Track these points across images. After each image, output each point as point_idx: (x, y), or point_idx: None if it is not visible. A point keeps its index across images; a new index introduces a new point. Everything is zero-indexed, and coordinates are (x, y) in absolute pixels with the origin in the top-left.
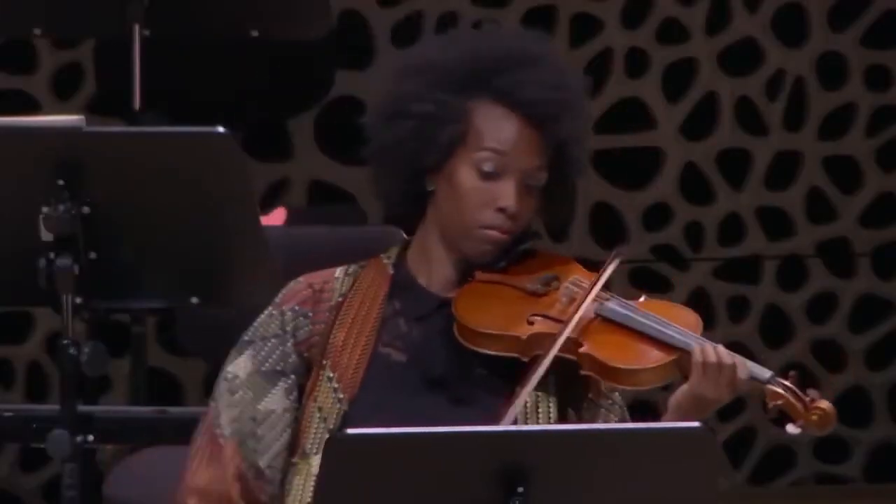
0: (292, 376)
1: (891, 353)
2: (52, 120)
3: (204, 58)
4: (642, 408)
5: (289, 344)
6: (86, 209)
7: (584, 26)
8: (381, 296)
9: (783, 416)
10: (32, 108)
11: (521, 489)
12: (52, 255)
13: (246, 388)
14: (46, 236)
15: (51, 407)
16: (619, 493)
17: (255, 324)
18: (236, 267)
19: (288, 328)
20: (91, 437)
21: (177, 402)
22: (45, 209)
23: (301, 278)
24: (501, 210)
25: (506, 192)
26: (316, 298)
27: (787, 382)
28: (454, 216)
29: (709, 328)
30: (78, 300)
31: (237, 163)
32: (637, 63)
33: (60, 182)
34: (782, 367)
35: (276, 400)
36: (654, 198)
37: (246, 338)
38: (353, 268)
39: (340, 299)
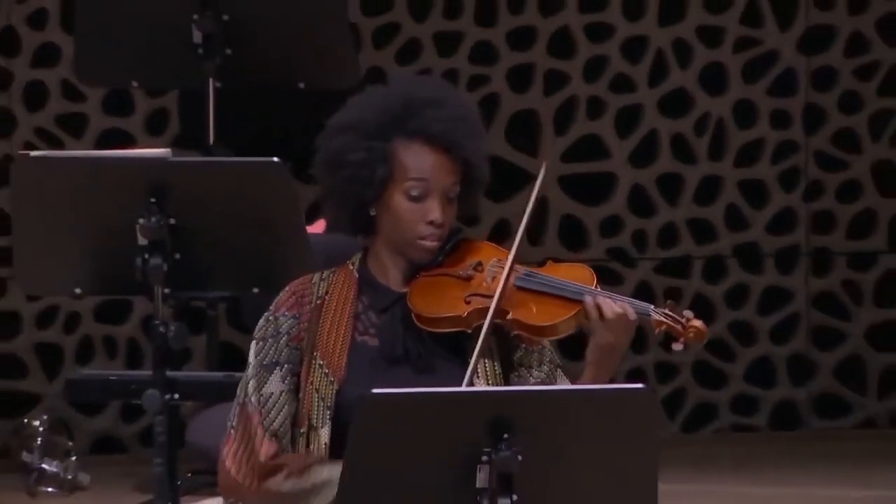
0: (286, 365)
1: (789, 331)
2: (145, 152)
3: (262, 103)
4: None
5: (282, 341)
6: (172, 221)
7: (555, 80)
8: (351, 295)
9: (668, 338)
10: (130, 142)
11: (506, 435)
12: (146, 256)
13: (253, 377)
14: (142, 241)
15: (145, 372)
16: (581, 439)
17: (258, 326)
18: (286, 264)
19: (281, 329)
20: (176, 396)
21: (241, 369)
22: (141, 220)
23: (287, 287)
24: (431, 223)
25: (432, 209)
26: (299, 302)
27: (666, 310)
28: (395, 233)
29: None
30: (166, 290)
31: (287, 185)
32: (596, 108)
33: (152, 200)
34: (706, 344)
35: (275, 384)
36: (608, 211)
37: (255, 335)
38: (325, 273)
39: (319, 301)
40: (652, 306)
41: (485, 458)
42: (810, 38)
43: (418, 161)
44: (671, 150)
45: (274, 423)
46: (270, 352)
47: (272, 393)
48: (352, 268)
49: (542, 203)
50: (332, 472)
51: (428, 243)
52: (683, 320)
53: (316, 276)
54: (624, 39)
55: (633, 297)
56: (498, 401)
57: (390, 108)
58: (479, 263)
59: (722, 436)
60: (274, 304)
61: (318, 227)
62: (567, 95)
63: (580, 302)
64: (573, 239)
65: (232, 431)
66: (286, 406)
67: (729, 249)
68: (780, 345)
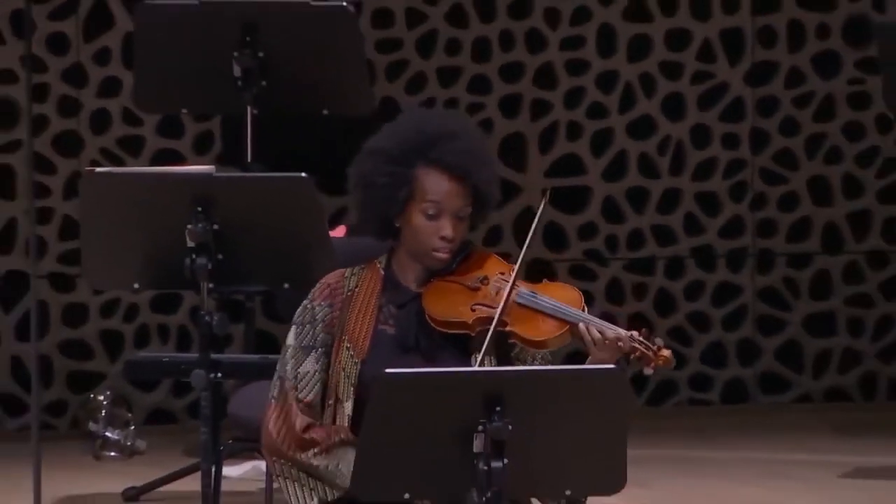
0: (320, 349)
1: (738, 320)
2: (193, 169)
3: (292, 127)
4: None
5: (318, 327)
6: (215, 226)
7: (540, 107)
8: (377, 289)
9: (640, 365)
10: (180, 160)
11: (498, 409)
12: (193, 256)
13: (291, 358)
14: (190, 244)
15: (193, 355)
16: (562, 411)
17: (297, 312)
18: (312, 264)
19: (317, 316)
20: (219, 375)
21: (275, 353)
22: (189, 226)
23: (323, 280)
24: (443, 238)
25: (445, 226)
26: (332, 293)
27: (640, 338)
28: (414, 244)
29: (618, 305)
30: (210, 286)
31: (313, 196)
32: (574, 131)
33: (199, 209)
34: (668, 331)
35: (310, 364)
36: (585, 219)
37: (294, 320)
38: (356, 269)
39: (350, 293)
40: (630, 333)
41: (480, 427)
42: (756, 72)
43: (435, 186)
44: (638, 167)
45: (308, 398)
46: (307, 336)
47: (307, 372)
48: (379, 266)
49: (529, 211)
50: (354, 453)
51: (440, 255)
52: (655, 348)
53: (347, 271)
54: (598, 73)
55: (606, 293)
56: (491, 380)
57: (414, 139)
58: (486, 277)
59: (681, 409)
60: (311, 294)
61: (339, 232)
62: (550, 121)
63: (569, 323)
64: (556, 242)
65: (273, 402)
66: (318, 384)
67: (687, 251)
68: (730, 332)
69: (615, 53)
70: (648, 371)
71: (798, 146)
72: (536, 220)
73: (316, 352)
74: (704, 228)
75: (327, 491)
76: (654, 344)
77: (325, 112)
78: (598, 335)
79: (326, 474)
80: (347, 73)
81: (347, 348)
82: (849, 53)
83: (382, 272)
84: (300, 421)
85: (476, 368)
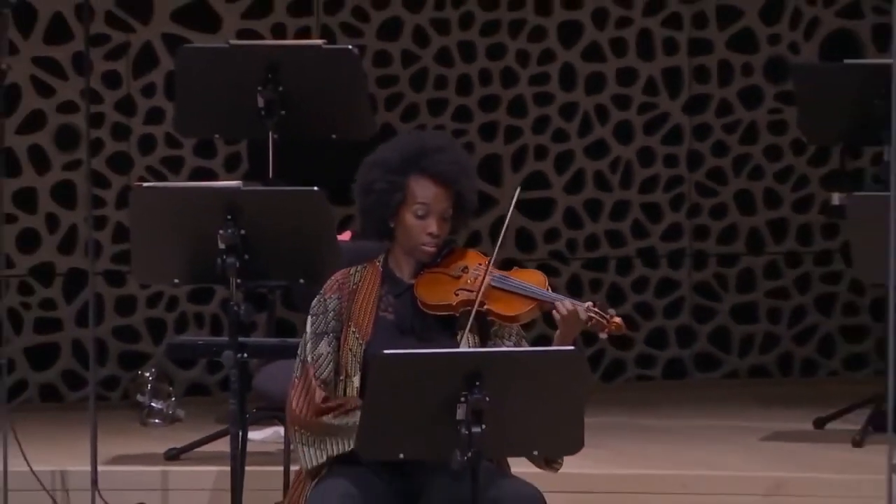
0: (331, 334)
1: (677, 310)
2: (224, 184)
3: (306, 149)
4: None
5: (329, 316)
6: (242, 232)
7: (513, 133)
8: (377, 282)
9: (596, 329)
10: (213, 177)
11: (477, 383)
12: (224, 256)
13: (309, 342)
14: (221, 246)
15: (223, 339)
16: (531, 385)
17: (313, 303)
18: (323, 263)
19: (329, 307)
20: (245, 355)
21: (293, 336)
22: (220, 231)
23: (333, 277)
24: (430, 234)
25: (431, 225)
26: (341, 287)
27: (596, 309)
28: (406, 241)
29: (577, 297)
30: (238, 281)
31: (324, 207)
32: (541, 153)
33: (229, 217)
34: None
35: (323, 348)
36: (549, 225)
37: (310, 311)
38: (359, 267)
39: (355, 287)
40: (587, 304)
41: (462, 399)
42: (692, 104)
43: (424, 191)
44: (594, 182)
45: (323, 375)
46: (321, 324)
47: (321, 354)
48: (378, 263)
49: (503, 219)
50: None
51: (428, 248)
52: (608, 316)
53: (352, 269)
54: (561, 104)
55: (567, 286)
56: (472, 359)
57: (408, 152)
58: (466, 267)
59: (629, 384)
60: (324, 288)
61: (345, 237)
62: (521, 144)
63: (537, 300)
64: (525, 244)
65: (296, 380)
66: (331, 363)
67: (634, 252)
68: (670, 319)
69: (575, 88)
70: (603, 335)
71: (727, 165)
72: (511, 210)
73: (328, 336)
74: (649, 233)
75: (335, 446)
76: (607, 313)
77: (334, 136)
78: (562, 308)
79: (343, 429)
80: (353, 104)
81: (354, 332)
82: (769, 88)
83: (381, 268)
84: (318, 394)
85: (459, 350)
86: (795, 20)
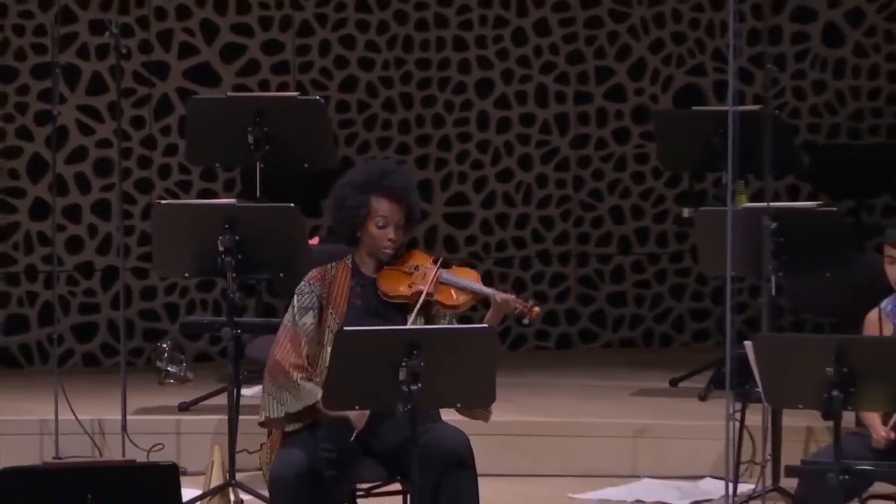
0: (314, 310)
1: (565, 295)
2: (223, 201)
3: (286, 175)
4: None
5: (313, 296)
6: (237, 237)
7: (441, 162)
8: (348, 277)
9: (520, 315)
10: (214, 195)
11: (415, 352)
12: (223, 256)
13: (296, 313)
14: (221, 248)
15: (223, 318)
16: (455, 354)
17: (300, 286)
18: (297, 261)
19: (314, 290)
20: (239, 331)
21: (276, 317)
22: (220, 237)
23: (314, 270)
24: (389, 240)
25: (390, 233)
26: (322, 278)
27: (518, 299)
28: (370, 245)
29: (489, 284)
30: (233, 275)
31: (299, 219)
32: (463, 177)
33: (226, 226)
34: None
35: (308, 319)
36: (469, 233)
37: (297, 290)
38: (334, 264)
39: (332, 278)
40: (512, 296)
41: (404, 364)
42: (576, 141)
43: (383, 206)
44: (502, 200)
45: (305, 350)
46: (306, 301)
47: (306, 323)
48: (347, 262)
49: (434, 228)
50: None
51: (387, 251)
52: (529, 305)
53: (329, 265)
54: (478, 141)
55: (483, 279)
56: (411, 334)
57: (368, 177)
58: (417, 266)
59: (530, 353)
60: (308, 277)
61: (314, 241)
62: (447, 171)
63: (475, 293)
64: (450, 247)
65: (282, 338)
66: (313, 331)
67: (534, 252)
68: (560, 303)
69: (488, 129)
70: (526, 321)
71: (603, 187)
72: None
73: (313, 311)
74: (544, 239)
75: (291, 404)
76: (528, 302)
77: (306, 165)
78: (498, 298)
79: (302, 391)
80: (320, 141)
81: (332, 314)
82: (635, 129)
83: (350, 265)
84: (302, 353)
85: (401, 327)
86: (655, 77)
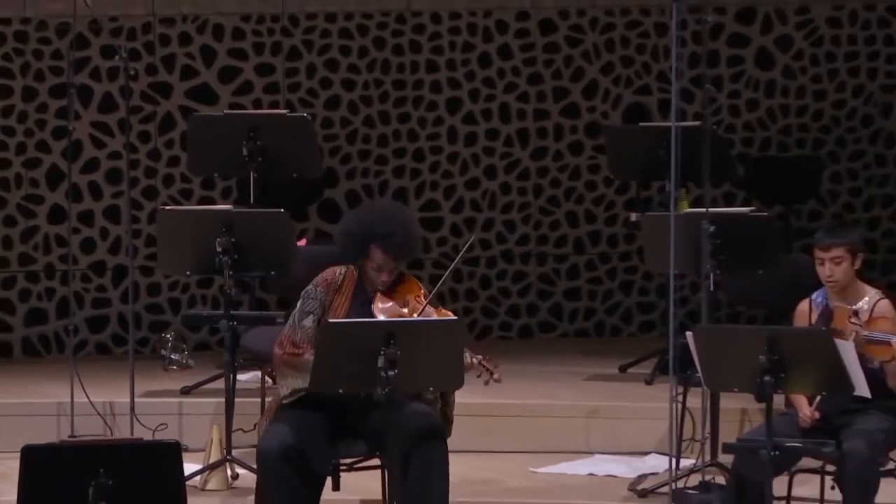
0: (315, 314)
1: (526, 292)
2: (220, 207)
3: (277, 183)
4: None
5: (317, 301)
6: (233, 239)
7: (415, 173)
8: (353, 286)
9: (482, 376)
10: (213, 202)
11: (392, 341)
12: (221, 256)
13: (298, 313)
14: (218, 249)
15: (220, 312)
16: (428, 341)
17: (307, 289)
18: (286, 260)
19: (318, 296)
20: (235, 323)
21: (266, 310)
22: (218, 239)
23: (323, 273)
24: (383, 280)
25: (384, 276)
26: (328, 284)
27: (484, 363)
28: (369, 274)
29: (458, 283)
30: (230, 273)
31: (288, 223)
32: (434, 186)
33: (223, 229)
34: (486, 299)
35: (308, 323)
36: (440, 235)
37: (303, 294)
38: (343, 269)
39: (338, 287)
40: (479, 357)
41: (382, 352)
42: (536, 153)
43: (379, 257)
44: (470, 206)
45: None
46: (309, 305)
47: (305, 326)
48: (354, 273)
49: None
50: None
51: (381, 287)
52: (492, 367)
53: (338, 270)
54: (448, 154)
55: (452, 276)
56: (388, 326)
57: (370, 229)
58: (407, 302)
59: (495, 341)
60: (317, 280)
61: (302, 243)
62: (420, 180)
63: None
64: (424, 248)
65: (284, 336)
66: (311, 335)
67: (498, 253)
68: (522, 298)
69: (457, 142)
70: (487, 384)
71: (560, 194)
72: (459, 257)
73: (313, 315)
74: (507, 240)
75: (294, 382)
76: (493, 366)
77: (295, 175)
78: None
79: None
80: (307, 153)
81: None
82: (588, 142)
83: (356, 277)
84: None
85: (379, 320)
86: (605, 97)
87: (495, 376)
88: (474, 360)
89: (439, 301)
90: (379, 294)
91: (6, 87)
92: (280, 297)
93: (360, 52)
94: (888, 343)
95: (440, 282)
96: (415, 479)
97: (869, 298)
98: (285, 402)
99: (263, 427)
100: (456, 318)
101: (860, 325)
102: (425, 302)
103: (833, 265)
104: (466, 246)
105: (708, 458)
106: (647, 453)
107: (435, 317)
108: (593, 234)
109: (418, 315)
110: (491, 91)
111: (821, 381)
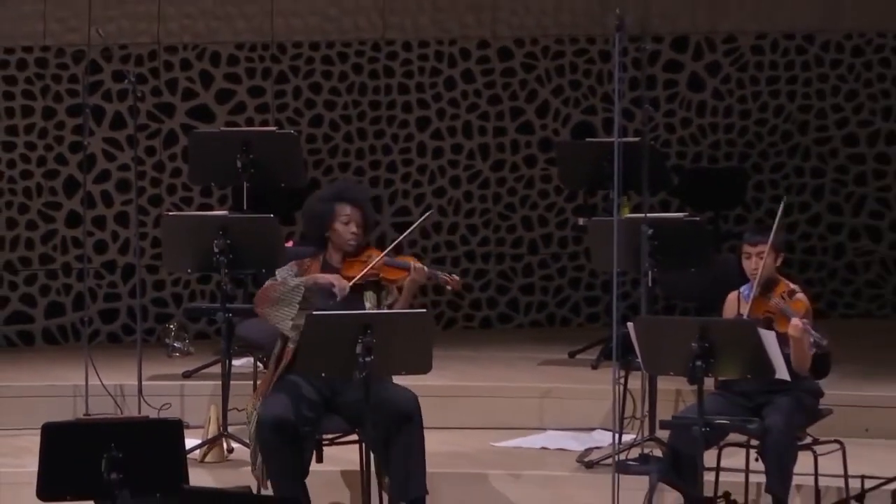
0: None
1: (487, 286)
2: (216, 213)
3: (267, 192)
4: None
5: (291, 273)
6: (229, 241)
7: (389, 182)
8: (318, 267)
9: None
10: (210, 208)
11: (369, 331)
12: (218, 255)
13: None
14: (216, 250)
15: (217, 305)
16: (401, 331)
17: (278, 270)
18: (274, 258)
19: (291, 271)
20: (231, 315)
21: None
22: (215, 241)
23: (292, 262)
24: (353, 233)
25: (353, 227)
26: (297, 266)
27: (443, 272)
28: (337, 239)
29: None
30: (226, 270)
31: (276, 227)
32: (406, 195)
33: (220, 232)
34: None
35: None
36: (410, 238)
37: (275, 273)
38: (308, 259)
39: (306, 267)
40: (439, 270)
41: (360, 340)
42: (495, 165)
43: (345, 209)
44: (437, 212)
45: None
46: (284, 274)
47: (285, 279)
48: (319, 256)
49: (385, 235)
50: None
51: (352, 242)
52: (450, 276)
53: (304, 260)
54: (417, 165)
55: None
56: (365, 316)
57: (333, 189)
58: (371, 255)
59: (460, 331)
60: (287, 264)
61: (289, 244)
62: (393, 189)
63: (407, 269)
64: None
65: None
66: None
67: (462, 254)
68: (483, 292)
69: (426, 156)
70: (449, 289)
71: (516, 201)
72: (415, 224)
73: (289, 276)
74: (469, 242)
75: (289, 307)
76: (450, 274)
77: (283, 185)
78: (423, 271)
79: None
80: (293, 166)
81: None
82: (541, 156)
83: (321, 261)
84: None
85: (358, 312)
86: (556, 115)
87: (454, 278)
88: (420, 267)
89: (395, 253)
90: (346, 262)
91: (28, 108)
92: None
93: (340, 77)
94: (789, 319)
95: (400, 237)
96: (396, 461)
97: (789, 289)
98: (294, 339)
99: (256, 404)
100: (425, 310)
101: (786, 301)
102: (382, 254)
103: (758, 259)
104: (426, 216)
105: (647, 433)
106: (593, 429)
107: (394, 259)
108: (546, 237)
109: (378, 261)
110: (455, 111)
111: (746, 365)
